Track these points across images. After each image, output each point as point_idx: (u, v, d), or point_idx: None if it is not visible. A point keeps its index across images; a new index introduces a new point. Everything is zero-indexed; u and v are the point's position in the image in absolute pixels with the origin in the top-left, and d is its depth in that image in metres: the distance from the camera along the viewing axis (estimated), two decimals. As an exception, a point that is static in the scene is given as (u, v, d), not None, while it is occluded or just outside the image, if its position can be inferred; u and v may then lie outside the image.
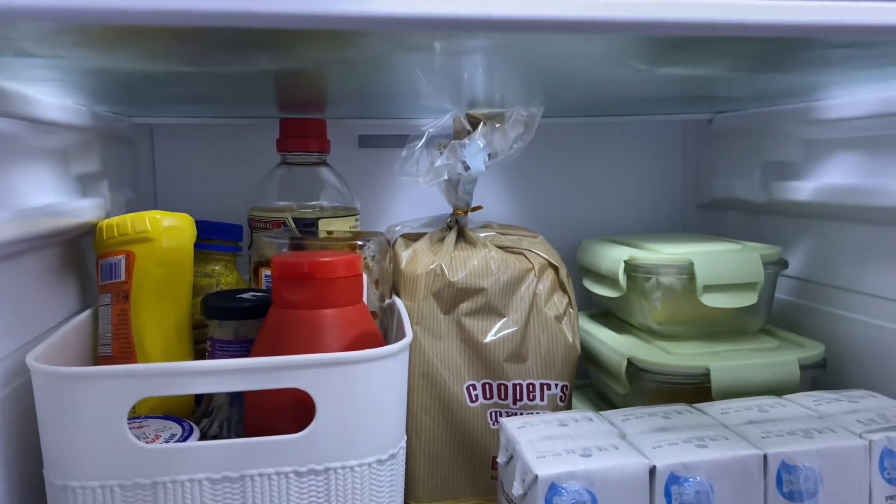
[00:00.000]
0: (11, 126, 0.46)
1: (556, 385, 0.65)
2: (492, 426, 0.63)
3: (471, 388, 0.63)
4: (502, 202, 0.86)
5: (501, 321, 0.64)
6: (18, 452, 0.47)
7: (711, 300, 0.62)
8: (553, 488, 0.43)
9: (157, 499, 0.44)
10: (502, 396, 0.64)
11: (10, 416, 0.46)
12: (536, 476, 0.43)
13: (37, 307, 0.52)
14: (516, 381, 0.64)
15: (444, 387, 0.62)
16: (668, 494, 0.44)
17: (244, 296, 0.55)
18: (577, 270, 0.77)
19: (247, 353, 0.51)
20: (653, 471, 0.44)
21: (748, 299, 0.62)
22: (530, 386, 0.64)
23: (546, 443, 0.47)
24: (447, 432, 0.63)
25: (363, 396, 0.46)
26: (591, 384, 0.78)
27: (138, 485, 0.44)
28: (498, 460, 0.52)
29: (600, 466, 0.44)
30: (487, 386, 0.64)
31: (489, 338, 0.63)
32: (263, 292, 0.56)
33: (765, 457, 0.46)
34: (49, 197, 0.53)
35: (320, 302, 0.48)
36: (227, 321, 0.52)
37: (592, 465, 0.44)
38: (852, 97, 0.61)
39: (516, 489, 0.46)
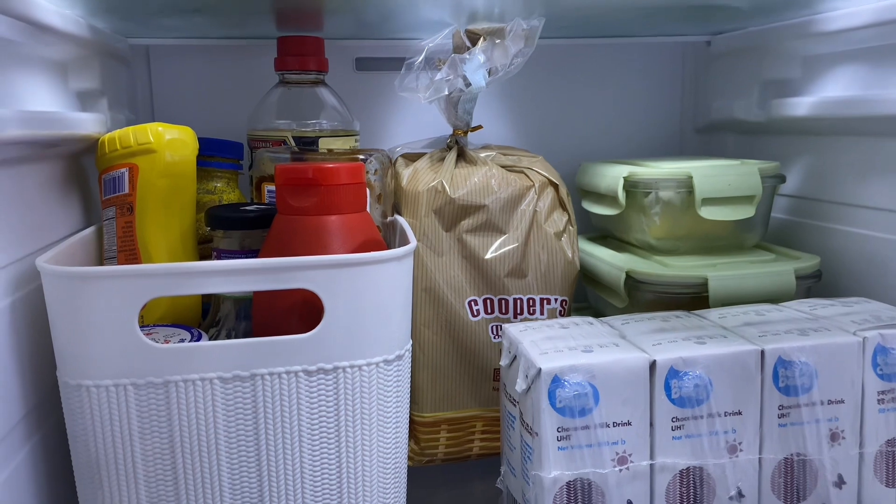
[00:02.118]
0: (11, 29, 0.45)
1: (556, 300, 0.66)
2: (493, 340, 0.64)
3: (472, 303, 0.64)
4: (501, 126, 0.86)
5: (502, 238, 0.64)
6: (31, 356, 0.48)
7: (710, 213, 0.63)
8: (556, 381, 0.44)
9: (169, 397, 0.45)
10: (503, 311, 0.65)
11: (20, 321, 0.47)
12: (540, 369, 0.44)
13: (41, 219, 0.52)
14: (517, 296, 0.65)
15: (445, 302, 0.63)
16: (667, 388, 0.46)
17: (248, 208, 0.55)
18: (577, 193, 0.78)
19: (253, 262, 0.51)
20: (653, 365, 0.46)
21: (746, 212, 0.63)
22: (530, 301, 0.65)
23: (548, 342, 0.48)
24: (450, 346, 0.64)
25: (370, 298, 0.47)
26: (590, 305, 0.79)
27: (151, 384, 0.45)
28: (500, 363, 0.53)
29: (602, 360, 0.45)
30: (488, 301, 0.65)
31: (490, 254, 0.64)
32: (267, 206, 0.57)
33: (762, 352, 0.47)
34: (49, 107, 0.53)
35: (325, 208, 0.49)
36: (233, 231, 0.53)
37: (594, 359, 0.45)
38: (854, 6, 0.61)
39: (519, 385, 0.47)
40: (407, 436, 0.52)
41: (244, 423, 0.46)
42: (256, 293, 0.51)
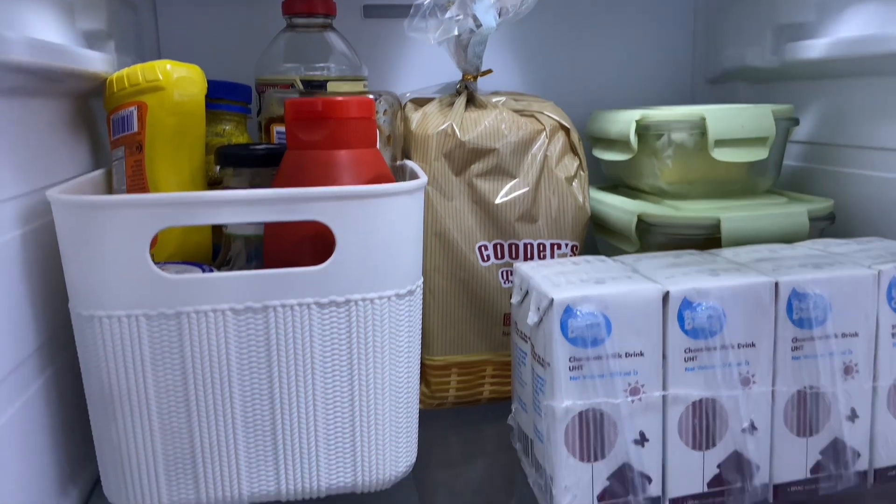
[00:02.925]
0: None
1: (566, 245, 0.65)
2: (503, 285, 0.64)
3: (482, 248, 0.64)
4: (511, 74, 0.85)
5: (512, 182, 0.64)
6: (43, 290, 0.48)
7: (723, 155, 0.62)
8: (568, 311, 0.44)
9: (181, 328, 0.45)
10: (513, 256, 0.64)
11: (31, 253, 0.47)
12: (552, 300, 0.44)
13: (50, 157, 0.52)
14: (527, 241, 0.64)
15: (456, 247, 0.63)
16: (680, 319, 0.45)
17: (258, 146, 0.55)
18: (587, 142, 0.77)
19: (263, 198, 0.51)
20: (666, 296, 0.45)
21: (759, 154, 0.62)
22: (541, 246, 0.65)
23: (560, 276, 0.48)
24: (460, 291, 0.64)
25: (381, 231, 0.47)
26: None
27: (163, 315, 0.45)
28: (511, 301, 0.53)
29: (614, 291, 0.45)
30: (499, 246, 0.64)
31: (500, 199, 0.64)
32: (277, 145, 0.56)
33: (776, 284, 0.47)
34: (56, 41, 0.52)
35: (335, 142, 0.48)
36: (242, 169, 0.53)
37: (606, 290, 0.45)
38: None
39: (531, 318, 0.47)
40: (419, 373, 0.52)
41: (257, 356, 0.46)
42: (268, 228, 0.50)
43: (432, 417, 0.64)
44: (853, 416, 0.48)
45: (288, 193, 0.45)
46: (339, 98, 0.48)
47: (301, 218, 0.45)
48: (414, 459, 0.53)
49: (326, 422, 0.48)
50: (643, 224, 0.63)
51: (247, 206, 0.44)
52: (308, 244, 0.48)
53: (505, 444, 0.58)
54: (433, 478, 0.55)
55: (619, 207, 0.67)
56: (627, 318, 0.45)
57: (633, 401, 0.45)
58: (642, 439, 0.46)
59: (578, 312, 0.44)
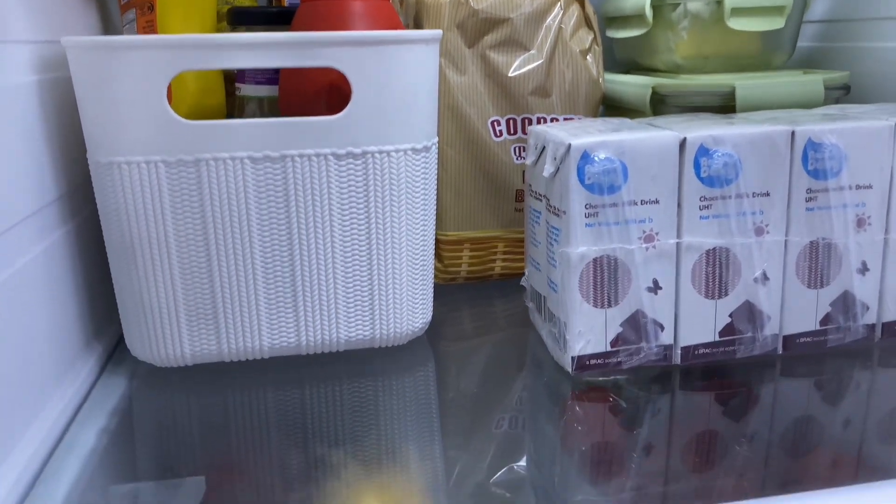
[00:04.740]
0: None
1: (580, 120, 0.65)
2: (515, 161, 0.64)
3: (495, 123, 0.64)
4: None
5: (526, 54, 0.63)
6: (61, 140, 0.48)
7: (739, 24, 0.61)
8: (585, 157, 0.44)
9: (200, 175, 0.45)
10: (526, 132, 0.64)
11: (48, 103, 0.47)
12: (569, 145, 0.44)
13: (63, 13, 0.51)
14: (540, 115, 0.64)
15: (468, 121, 0.63)
16: (696, 166, 0.45)
17: (270, 6, 0.54)
18: (602, 23, 0.76)
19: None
20: (683, 143, 0.45)
21: (776, 23, 0.61)
22: (553, 120, 0.65)
23: (577, 129, 0.48)
24: (472, 166, 0.64)
25: (397, 81, 0.47)
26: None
27: (182, 161, 0.45)
28: (526, 163, 0.53)
29: (632, 137, 0.45)
30: (511, 121, 0.64)
31: (513, 72, 0.63)
32: (289, 6, 0.56)
33: (792, 133, 0.46)
34: None
35: (350, -7, 0.48)
36: (255, 26, 0.52)
37: (624, 136, 0.45)
38: None
39: (547, 170, 0.47)
40: (434, 234, 0.53)
41: (275, 207, 0.47)
42: (283, 83, 0.50)
43: (445, 293, 0.65)
44: (864, 268, 0.49)
45: (304, 37, 0.44)
46: (353, -53, 0.48)
47: (317, 64, 0.45)
48: (430, 318, 0.54)
49: (345, 274, 0.49)
50: (657, 96, 0.62)
51: (263, 50, 0.44)
52: (323, 97, 0.48)
53: (517, 315, 0.59)
54: (446, 342, 0.56)
55: (632, 83, 0.66)
56: (644, 165, 0.45)
57: (647, 248, 0.46)
58: (655, 287, 0.47)
59: (595, 158, 0.44)
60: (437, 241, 0.64)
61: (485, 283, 0.67)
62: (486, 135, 0.64)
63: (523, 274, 0.57)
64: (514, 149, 0.64)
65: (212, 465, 0.40)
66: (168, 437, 0.43)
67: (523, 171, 0.64)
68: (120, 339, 0.54)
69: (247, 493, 0.37)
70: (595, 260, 0.46)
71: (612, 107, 0.72)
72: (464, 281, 0.67)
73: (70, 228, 0.49)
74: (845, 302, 0.49)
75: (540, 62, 0.63)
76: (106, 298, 0.54)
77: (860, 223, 0.48)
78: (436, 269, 0.65)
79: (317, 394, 0.48)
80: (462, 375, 0.50)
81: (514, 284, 0.61)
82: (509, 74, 0.63)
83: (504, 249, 0.66)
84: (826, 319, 0.50)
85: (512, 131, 0.64)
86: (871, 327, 0.50)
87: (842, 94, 0.62)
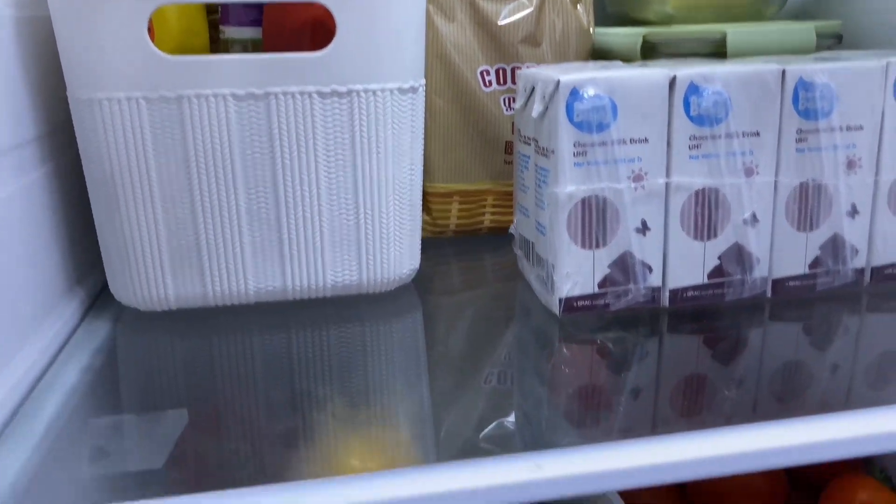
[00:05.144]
0: None
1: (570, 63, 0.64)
2: (505, 112, 0.64)
3: (484, 73, 0.63)
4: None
5: (516, 2, 0.62)
6: (40, 77, 0.47)
7: (731, -29, 0.60)
8: (574, 94, 0.44)
9: (182, 113, 0.45)
10: (515, 82, 0.64)
11: (26, 39, 0.45)
12: (558, 81, 0.43)
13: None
14: (530, 65, 0.63)
15: (457, 71, 0.62)
16: (686, 104, 0.45)
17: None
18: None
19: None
20: (673, 81, 0.45)
21: (769, -30, 0.61)
22: (544, 71, 0.64)
23: (566, 68, 0.47)
24: (461, 116, 0.63)
25: (383, 18, 0.46)
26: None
27: (163, 98, 0.44)
28: (514, 107, 0.52)
29: (621, 75, 0.44)
30: (501, 71, 0.63)
31: (503, 20, 0.62)
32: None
33: (783, 72, 0.46)
34: None
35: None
36: (239, -34, 0.51)
37: (614, 73, 0.44)
38: None
39: (536, 110, 0.46)
40: (421, 178, 0.52)
41: (259, 146, 0.46)
42: (267, 18, 0.49)
43: (434, 245, 0.64)
44: (854, 211, 0.49)
45: (287, -31, 0.43)
46: None
47: (301, -2, 0.44)
48: (417, 265, 0.54)
49: (331, 217, 0.49)
50: (648, 44, 0.61)
51: (245, -18, 0.43)
52: (307, 34, 0.47)
53: (507, 269, 0.58)
54: (435, 294, 0.56)
55: (623, 34, 0.65)
56: (634, 103, 0.44)
57: (636, 188, 0.45)
58: (644, 227, 0.46)
59: (584, 95, 0.44)
60: (426, 194, 0.64)
61: (474, 237, 0.67)
62: (476, 85, 0.63)
63: (514, 204, 0.56)
64: (504, 99, 0.63)
65: (196, 400, 0.39)
66: (152, 377, 0.43)
67: (513, 123, 0.63)
68: (104, 288, 0.53)
69: (232, 428, 0.37)
70: (583, 200, 0.45)
71: (602, 59, 0.71)
72: (453, 234, 0.66)
73: (50, 169, 0.48)
74: (835, 245, 0.49)
75: (530, 10, 0.62)
76: (90, 245, 0.53)
77: (851, 165, 0.48)
78: (424, 222, 0.65)
79: (303, 337, 0.47)
80: (450, 322, 0.50)
81: (503, 239, 0.61)
82: (499, 23, 0.62)
83: (494, 202, 0.66)
84: (815, 263, 0.49)
85: (501, 81, 0.63)
86: (861, 272, 0.50)
87: (834, 42, 0.61)
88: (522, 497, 0.30)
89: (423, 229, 0.65)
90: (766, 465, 0.34)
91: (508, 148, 0.64)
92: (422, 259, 0.54)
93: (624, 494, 0.58)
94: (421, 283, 0.56)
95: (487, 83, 0.63)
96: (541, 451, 0.32)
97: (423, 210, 0.64)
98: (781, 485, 0.62)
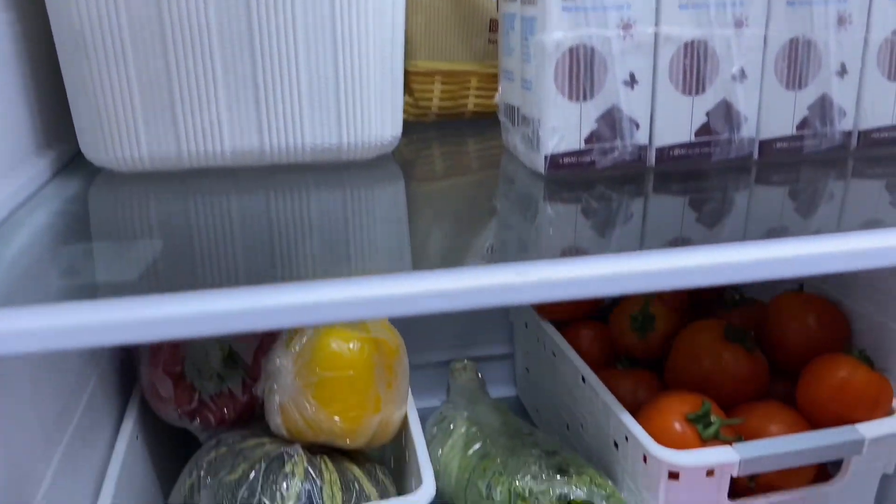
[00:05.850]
0: None
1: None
2: None
3: (468, -52, 0.61)
4: None
5: None
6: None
7: None
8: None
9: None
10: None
11: None
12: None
13: None
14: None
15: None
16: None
17: None
18: None
19: None
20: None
21: None
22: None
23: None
24: (444, -7, 0.61)
25: None
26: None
27: (132, -65, 0.42)
28: (501, -35, 0.50)
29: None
30: (485, -53, 0.61)
31: None
32: None
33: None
34: None
35: None
36: None
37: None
38: None
39: (523, -43, 0.45)
40: (402, 45, 0.51)
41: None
42: None
43: (416, 129, 0.63)
44: (843, 70, 0.48)
45: None
46: None
47: None
48: (399, 133, 0.52)
49: (309, 75, 0.47)
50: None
51: None
52: None
53: (491, 152, 0.57)
54: (418, 166, 0.55)
55: None
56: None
57: (624, 37, 0.44)
58: (632, 80, 0.45)
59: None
60: (407, 73, 0.62)
61: (458, 121, 0.65)
62: (459, -39, 0.61)
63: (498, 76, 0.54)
64: (489, -17, 0.62)
65: (171, 247, 0.38)
66: (126, 225, 0.41)
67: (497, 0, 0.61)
68: (77, 154, 0.51)
69: (207, 271, 0.36)
70: (571, 49, 0.44)
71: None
72: (435, 118, 0.65)
73: (12, 17, 0.46)
74: (823, 106, 0.48)
75: None
76: (61, 110, 0.51)
77: (841, 21, 0.47)
78: (406, 103, 0.63)
79: (283, 200, 0.46)
80: (433, 189, 0.49)
81: (488, 123, 0.60)
82: None
83: (477, 85, 0.64)
84: (803, 124, 0.49)
85: (485, -41, 0.61)
86: (848, 135, 0.50)
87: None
88: (505, 299, 0.30)
89: (405, 111, 0.63)
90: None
91: (493, 26, 0.63)
92: (403, 142, 0.53)
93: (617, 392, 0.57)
94: (403, 162, 0.54)
95: (471, -42, 0.61)
96: (523, 262, 0.32)
97: (404, 91, 0.63)
98: (763, 373, 0.62)
